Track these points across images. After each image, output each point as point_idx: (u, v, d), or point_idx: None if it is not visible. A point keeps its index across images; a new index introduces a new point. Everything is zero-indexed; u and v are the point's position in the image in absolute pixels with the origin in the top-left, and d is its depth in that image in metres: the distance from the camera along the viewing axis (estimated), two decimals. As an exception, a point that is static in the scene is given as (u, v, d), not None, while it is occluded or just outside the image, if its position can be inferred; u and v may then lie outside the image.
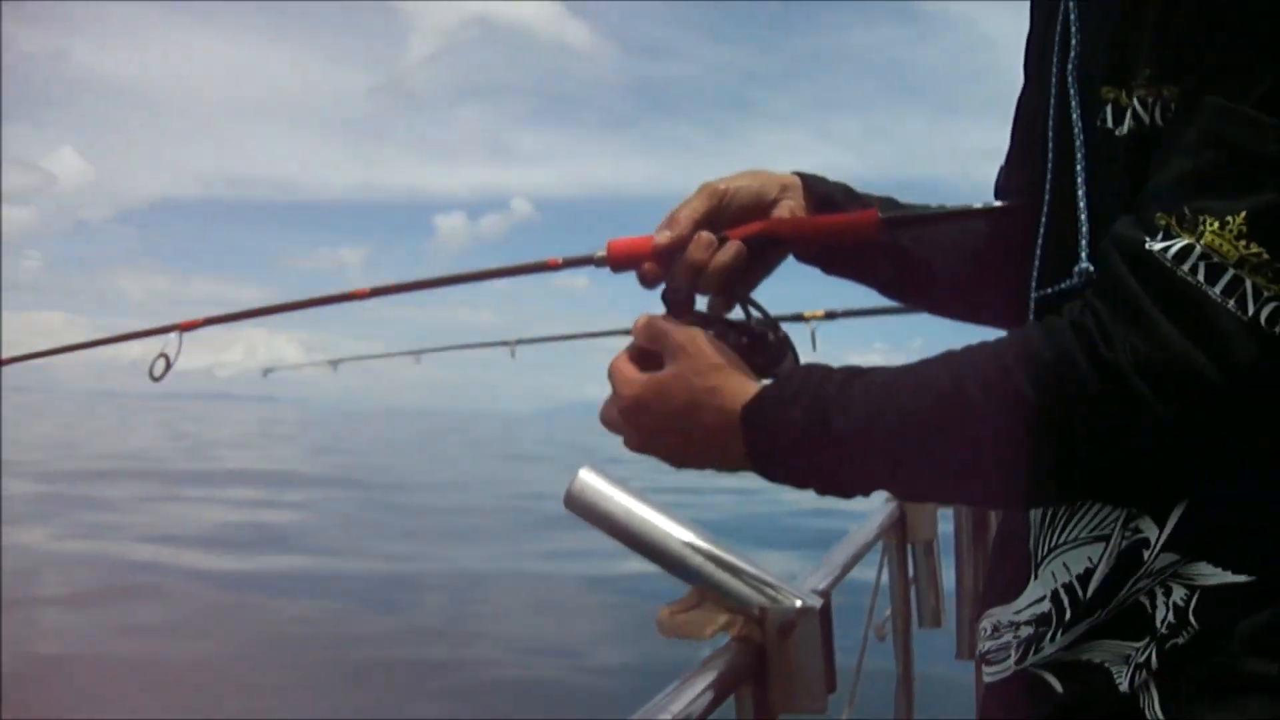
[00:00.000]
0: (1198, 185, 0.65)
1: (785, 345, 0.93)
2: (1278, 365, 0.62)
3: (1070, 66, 0.80)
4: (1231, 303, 0.62)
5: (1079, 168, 0.78)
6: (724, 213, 0.95)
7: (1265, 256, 0.62)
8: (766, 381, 0.83)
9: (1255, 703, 0.68)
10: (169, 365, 1.24)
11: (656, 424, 0.85)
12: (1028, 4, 0.96)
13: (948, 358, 0.73)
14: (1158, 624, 0.71)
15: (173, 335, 1.25)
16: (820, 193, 1.00)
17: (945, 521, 2.53)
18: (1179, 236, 0.64)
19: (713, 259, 0.92)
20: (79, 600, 9.97)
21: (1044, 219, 0.84)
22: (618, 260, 0.96)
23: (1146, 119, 0.72)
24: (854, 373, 0.78)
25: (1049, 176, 0.84)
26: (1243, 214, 0.63)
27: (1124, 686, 0.72)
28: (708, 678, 0.87)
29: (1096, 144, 0.77)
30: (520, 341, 1.70)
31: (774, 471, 0.80)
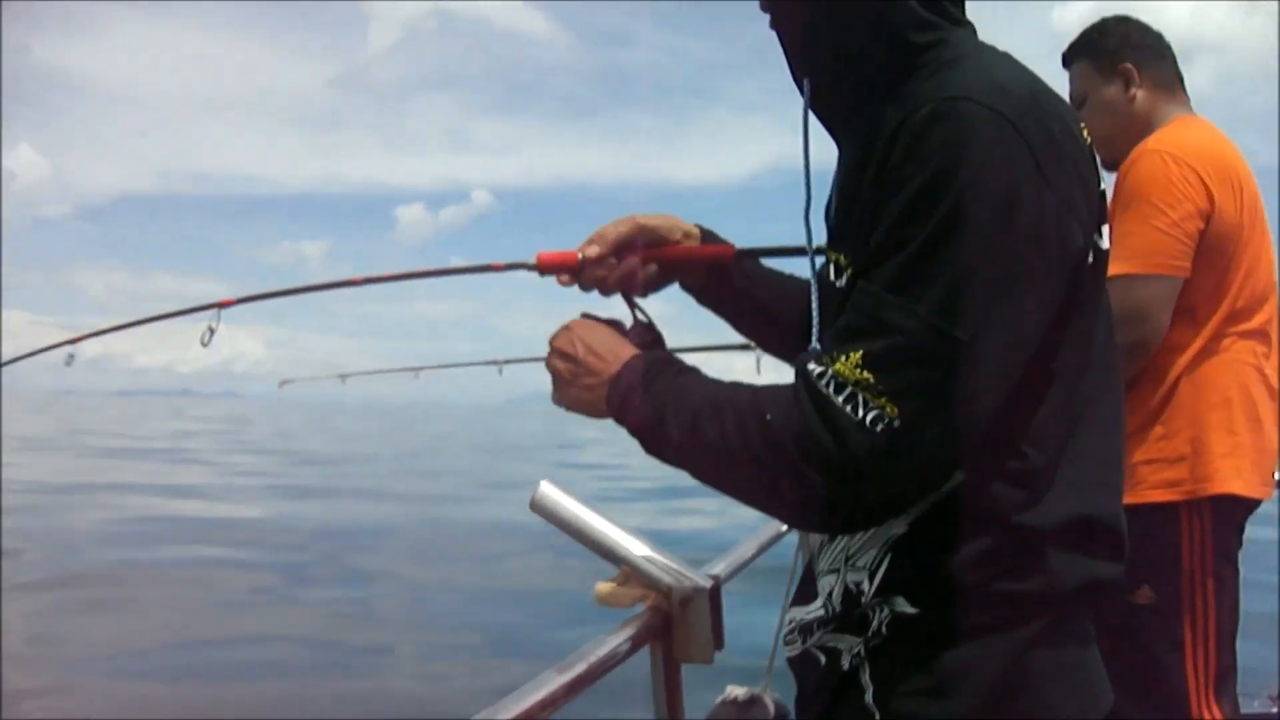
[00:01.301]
0: (842, 337, 0.97)
1: (658, 335, 1.28)
2: (887, 454, 0.93)
3: (822, 223, 1.19)
4: (849, 408, 0.93)
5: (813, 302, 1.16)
6: (638, 239, 1.32)
7: (871, 380, 0.93)
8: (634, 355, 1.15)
9: (911, 686, 1.04)
10: (212, 334, 1.70)
11: (568, 369, 1.17)
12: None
13: (730, 392, 1.03)
14: (869, 630, 1.06)
15: (212, 311, 1.65)
16: (709, 238, 1.39)
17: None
18: (824, 366, 0.96)
19: (611, 274, 1.31)
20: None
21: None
22: (545, 268, 1.33)
23: (835, 277, 1.09)
24: (679, 371, 1.09)
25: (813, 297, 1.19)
26: (860, 353, 0.94)
27: (845, 665, 1.09)
28: (628, 632, 1.23)
29: (823, 288, 1.14)
30: (508, 361, 2.03)
31: (621, 418, 1.11)
